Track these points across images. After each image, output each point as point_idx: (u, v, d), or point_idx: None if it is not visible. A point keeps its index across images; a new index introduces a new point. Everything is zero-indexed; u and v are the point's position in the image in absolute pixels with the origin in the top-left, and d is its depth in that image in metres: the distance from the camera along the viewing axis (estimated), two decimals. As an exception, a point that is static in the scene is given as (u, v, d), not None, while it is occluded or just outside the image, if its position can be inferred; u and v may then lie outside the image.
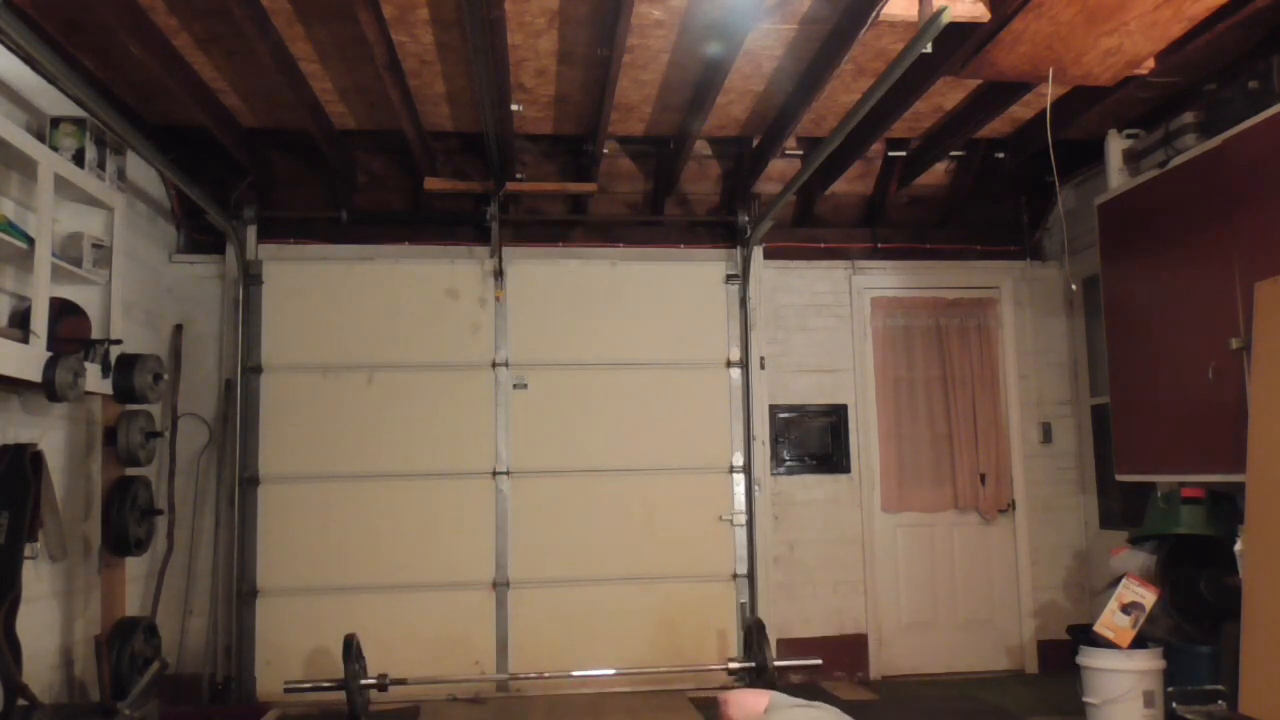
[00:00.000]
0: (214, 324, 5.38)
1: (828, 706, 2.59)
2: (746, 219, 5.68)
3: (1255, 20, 3.85)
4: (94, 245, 4.14)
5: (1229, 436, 3.95)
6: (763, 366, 5.70)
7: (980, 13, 3.51)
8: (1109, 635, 4.18)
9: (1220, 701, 3.81)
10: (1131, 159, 4.88)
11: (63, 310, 3.97)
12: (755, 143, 5.38)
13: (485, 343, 5.52)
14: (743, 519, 5.56)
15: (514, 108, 4.64)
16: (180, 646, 5.11)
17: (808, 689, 5.37)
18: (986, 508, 5.81)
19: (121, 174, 4.45)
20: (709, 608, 5.47)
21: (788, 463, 5.76)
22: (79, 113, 4.07)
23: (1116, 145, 4.95)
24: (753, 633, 5.01)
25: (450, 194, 5.49)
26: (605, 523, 5.41)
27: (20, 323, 3.68)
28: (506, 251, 5.54)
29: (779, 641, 5.45)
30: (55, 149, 3.91)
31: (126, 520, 4.33)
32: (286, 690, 4.74)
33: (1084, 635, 4.37)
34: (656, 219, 5.80)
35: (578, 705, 5.04)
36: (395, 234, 5.58)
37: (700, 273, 5.75)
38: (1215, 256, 4.12)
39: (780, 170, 5.54)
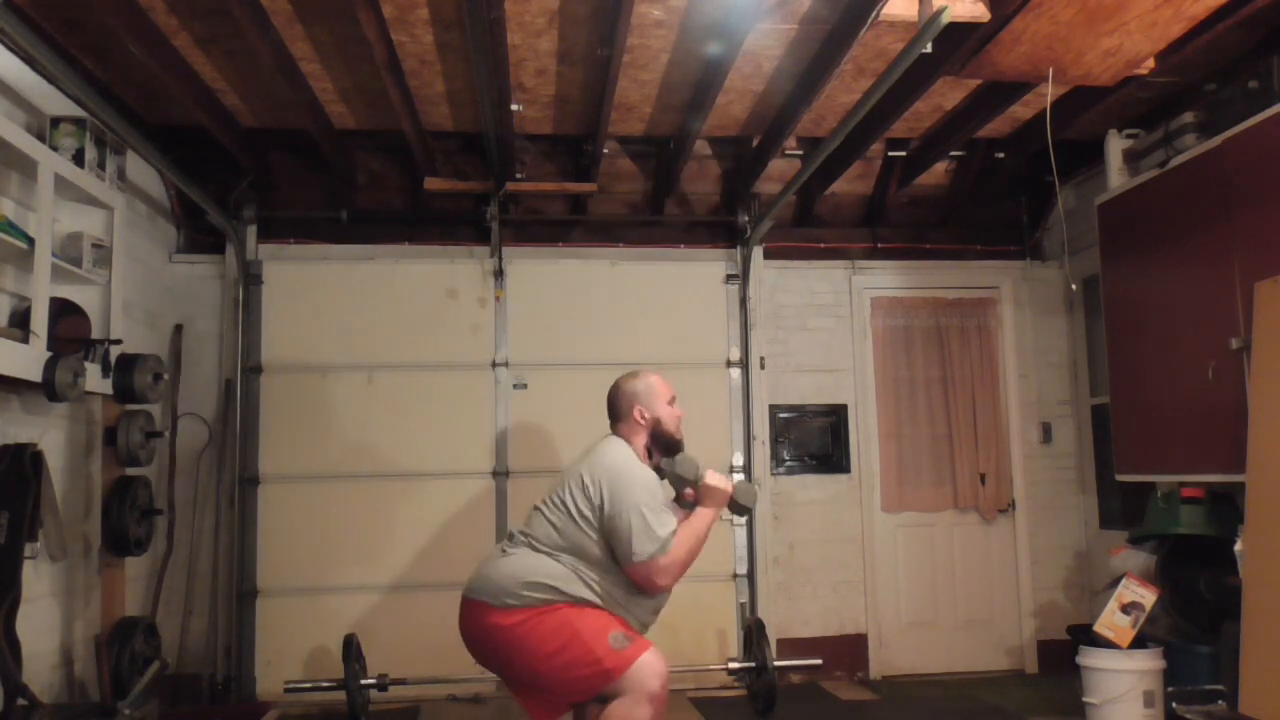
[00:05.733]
0: (214, 324, 5.37)
1: None
2: (746, 219, 5.68)
3: (1255, 20, 3.85)
4: (94, 245, 4.14)
5: (1229, 436, 3.95)
6: (763, 366, 5.70)
7: (980, 13, 3.51)
8: (1109, 635, 4.18)
9: (1220, 701, 3.81)
10: (1131, 159, 4.89)
11: (63, 310, 3.97)
12: (755, 143, 5.38)
13: (485, 343, 5.52)
14: (743, 519, 5.56)
15: (514, 108, 4.64)
16: (180, 646, 5.11)
17: (808, 689, 5.37)
18: (986, 508, 5.81)
19: (121, 174, 4.45)
20: (709, 608, 5.47)
21: (788, 463, 5.76)
22: (79, 113, 4.07)
23: (1116, 145, 4.95)
24: (753, 633, 5.01)
25: (450, 194, 5.49)
26: (605, 523, 5.40)
27: (20, 323, 3.68)
28: (506, 251, 5.54)
29: (779, 641, 5.45)
30: (55, 149, 3.91)
31: (126, 520, 4.32)
32: (286, 690, 4.74)
33: (1084, 635, 4.37)
34: (656, 219, 5.80)
35: (578, 705, 5.04)
36: (395, 234, 5.58)
37: (700, 273, 5.75)
38: (1215, 256, 4.12)
39: (780, 170, 5.54)
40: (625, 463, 3.11)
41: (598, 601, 3.01)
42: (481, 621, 3.05)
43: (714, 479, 3.17)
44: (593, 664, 2.90)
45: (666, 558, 2.94)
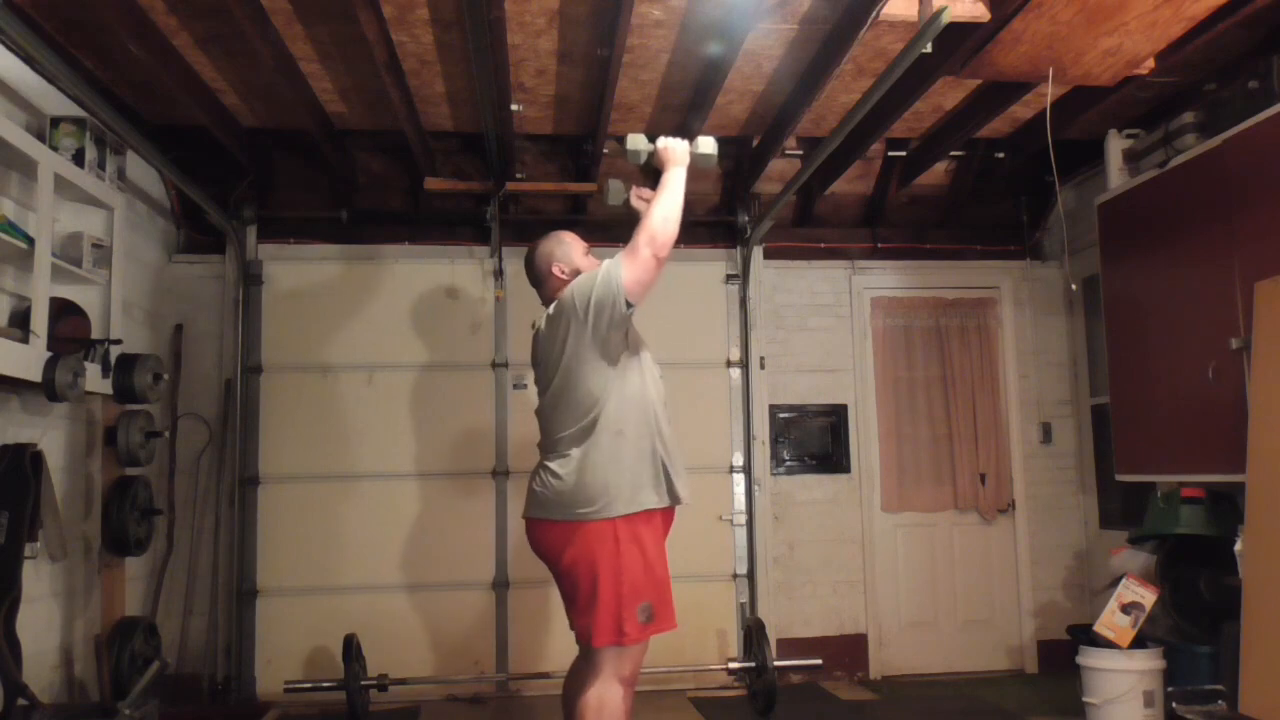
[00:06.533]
0: (214, 324, 5.37)
1: None
2: (746, 219, 5.68)
3: (1255, 20, 3.85)
4: (94, 245, 4.14)
5: (1229, 436, 3.95)
6: (763, 366, 5.70)
7: (980, 13, 3.51)
8: (1109, 635, 4.18)
9: (1220, 701, 3.81)
10: (1131, 159, 4.89)
11: (63, 310, 3.97)
12: (755, 143, 5.38)
13: (485, 343, 5.52)
14: (743, 519, 5.56)
15: (514, 108, 4.64)
16: (180, 646, 5.11)
17: (808, 689, 5.37)
18: (986, 508, 5.81)
19: (121, 174, 4.45)
20: (709, 608, 5.47)
21: (788, 463, 5.76)
22: (79, 113, 4.07)
23: (1116, 145, 4.95)
24: (753, 633, 5.01)
25: (450, 194, 5.49)
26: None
27: (20, 323, 3.68)
28: (506, 251, 5.54)
29: (779, 641, 5.45)
30: (55, 149, 3.91)
31: (126, 520, 4.33)
32: (286, 690, 4.75)
33: (1084, 635, 4.37)
34: (656, 219, 5.79)
35: (578, 705, 5.04)
36: (395, 234, 5.58)
37: (700, 273, 5.75)
38: (1215, 256, 4.12)
39: (780, 170, 5.54)
40: (560, 298, 3.13)
41: (622, 497, 2.98)
42: (542, 537, 3.11)
43: (665, 141, 3.18)
44: (614, 615, 2.92)
45: (642, 232, 2.97)
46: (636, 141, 3.22)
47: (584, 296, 3.01)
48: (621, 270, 2.97)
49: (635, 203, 3.35)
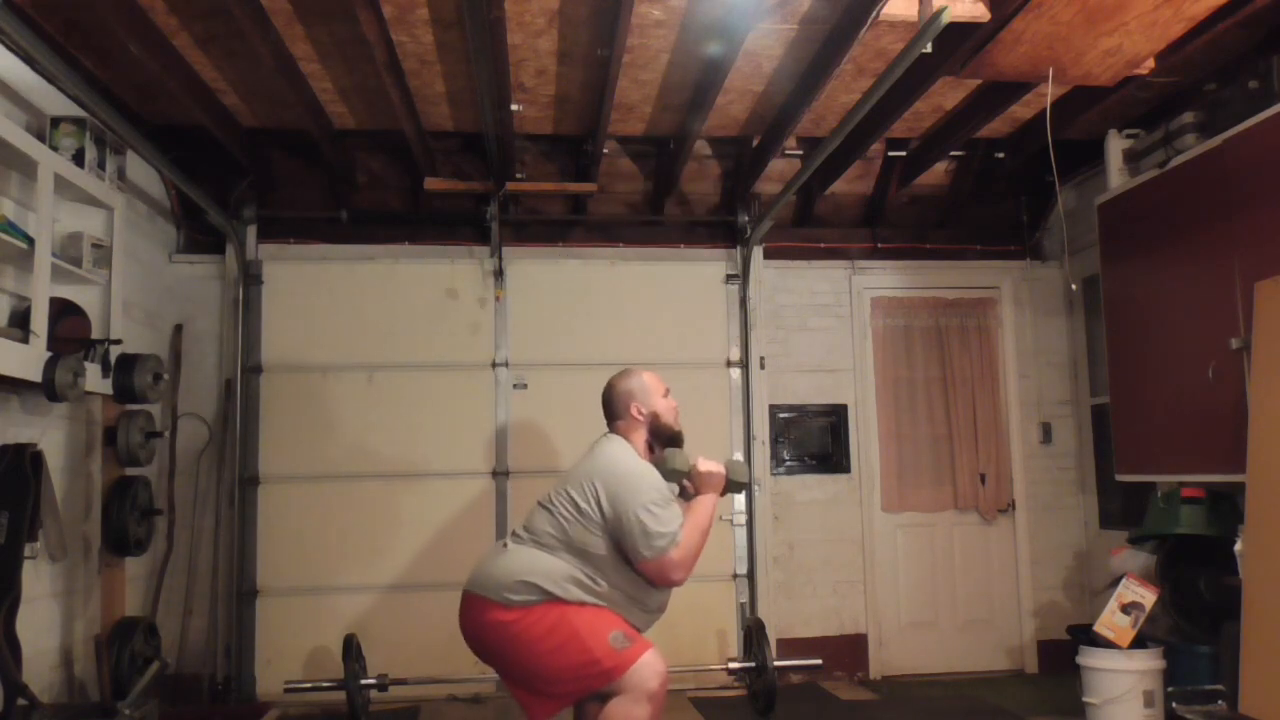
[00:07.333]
0: (214, 324, 5.38)
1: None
2: (746, 219, 5.68)
3: (1255, 20, 3.85)
4: (94, 245, 4.14)
5: (1229, 436, 3.95)
6: (763, 366, 5.70)
7: (980, 13, 3.51)
8: (1109, 635, 4.18)
9: (1220, 701, 3.81)
10: (1131, 159, 4.89)
11: (63, 310, 3.96)
12: (755, 143, 5.38)
13: (485, 343, 5.52)
14: (742, 519, 5.56)
15: (514, 108, 4.64)
16: (180, 646, 5.11)
17: (808, 689, 5.37)
18: (986, 508, 5.81)
19: (121, 174, 4.45)
20: (709, 608, 5.47)
21: (788, 463, 5.76)
22: (79, 113, 4.07)
23: (1116, 145, 4.95)
24: (753, 633, 5.01)
25: (450, 194, 5.49)
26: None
27: (20, 323, 3.68)
28: (506, 251, 5.54)
29: (779, 641, 5.44)
30: (55, 149, 3.91)
31: (126, 520, 4.32)
32: (286, 690, 4.74)
33: (1084, 635, 4.37)
34: (656, 219, 5.80)
35: (578, 705, 5.03)
36: (395, 234, 5.58)
37: (700, 273, 5.75)
38: (1215, 256, 4.12)
39: (780, 170, 5.54)
40: (625, 462, 3.11)
41: (597, 603, 2.99)
42: (480, 617, 3.03)
43: (705, 465, 3.21)
44: (591, 664, 2.89)
45: (678, 551, 2.96)
46: (676, 461, 3.21)
47: (613, 506, 2.99)
48: (657, 553, 2.94)
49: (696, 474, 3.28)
